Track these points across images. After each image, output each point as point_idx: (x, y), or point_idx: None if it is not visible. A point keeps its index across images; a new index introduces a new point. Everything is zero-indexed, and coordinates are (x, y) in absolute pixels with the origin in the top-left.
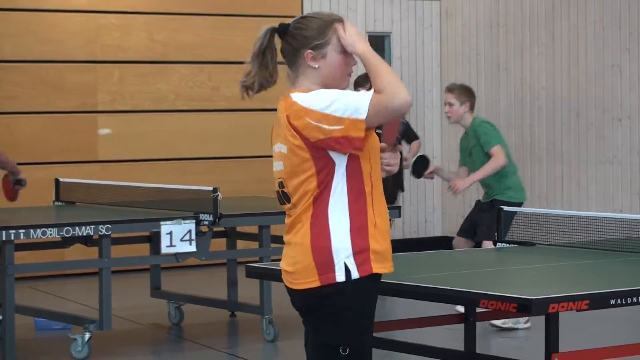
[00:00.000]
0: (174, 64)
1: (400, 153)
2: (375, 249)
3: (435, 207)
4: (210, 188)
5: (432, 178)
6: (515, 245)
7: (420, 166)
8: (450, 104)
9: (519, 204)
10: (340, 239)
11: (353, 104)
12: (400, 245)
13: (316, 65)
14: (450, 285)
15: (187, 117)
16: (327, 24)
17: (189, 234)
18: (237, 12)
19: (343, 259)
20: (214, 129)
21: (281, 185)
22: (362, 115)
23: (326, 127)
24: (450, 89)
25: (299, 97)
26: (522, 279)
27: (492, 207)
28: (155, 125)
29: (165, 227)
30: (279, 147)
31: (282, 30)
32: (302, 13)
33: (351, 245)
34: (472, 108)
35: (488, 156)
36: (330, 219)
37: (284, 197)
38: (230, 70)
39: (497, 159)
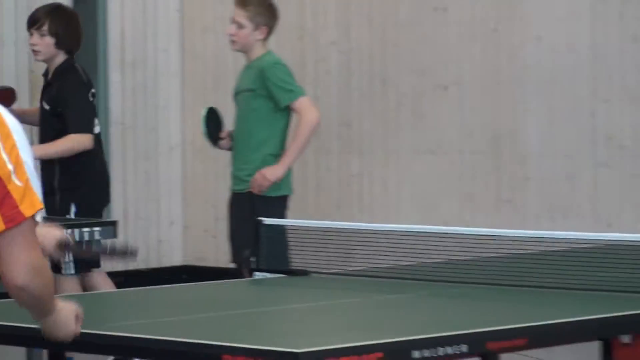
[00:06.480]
0: None
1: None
2: None
3: (174, 221)
4: None
5: (228, 148)
6: (283, 275)
7: (214, 125)
8: (240, 25)
9: (285, 199)
10: None
11: None
12: (123, 281)
13: None
14: (178, 335)
15: None
16: None
17: None
18: None
19: None
20: None
21: None
22: None
23: None
24: (243, 4)
25: None
26: (288, 324)
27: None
28: None
29: None
30: None
31: None
32: None
33: None
34: (267, 35)
35: (281, 113)
36: None
37: None
38: None
39: (311, 116)
